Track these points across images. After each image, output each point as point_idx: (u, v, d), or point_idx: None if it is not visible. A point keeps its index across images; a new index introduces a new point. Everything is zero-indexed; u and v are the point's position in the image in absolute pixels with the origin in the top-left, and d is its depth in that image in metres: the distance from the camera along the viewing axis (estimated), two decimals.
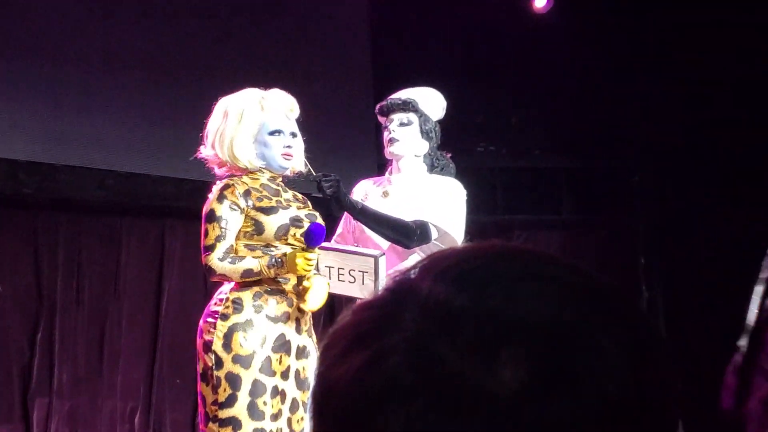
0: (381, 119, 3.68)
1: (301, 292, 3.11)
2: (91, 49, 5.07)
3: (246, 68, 5.13)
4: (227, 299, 3.06)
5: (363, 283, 3.30)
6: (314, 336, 3.20)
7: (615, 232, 6.25)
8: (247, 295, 3.05)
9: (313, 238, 3.07)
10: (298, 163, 3.27)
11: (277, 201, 3.14)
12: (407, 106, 3.60)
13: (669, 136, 5.97)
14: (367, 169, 5.00)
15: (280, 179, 3.25)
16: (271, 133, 3.17)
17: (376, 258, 3.30)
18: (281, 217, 3.10)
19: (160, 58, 5.25)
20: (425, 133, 3.62)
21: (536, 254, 0.62)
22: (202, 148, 3.21)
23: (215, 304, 3.09)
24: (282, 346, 3.07)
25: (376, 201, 3.59)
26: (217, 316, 3.06)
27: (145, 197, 5.26)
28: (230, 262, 3.02)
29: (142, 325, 5.37)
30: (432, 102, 3.67)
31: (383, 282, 3.30)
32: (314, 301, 3.09)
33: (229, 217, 3.04)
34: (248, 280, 3.04)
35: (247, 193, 3.10)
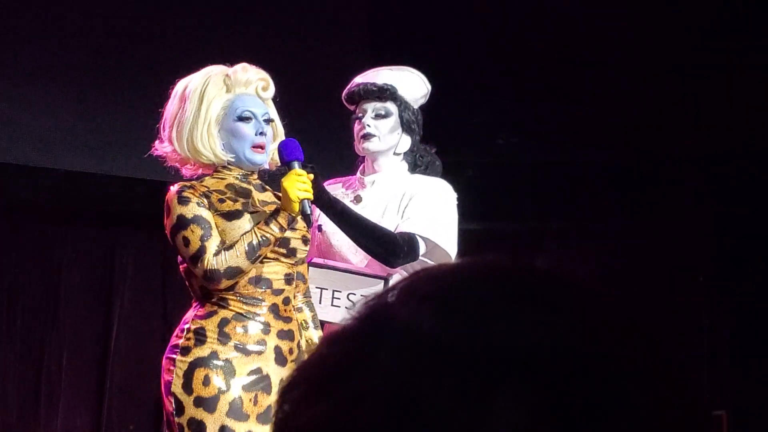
0: (350, 107, 3.65)
1: (283, 204, 3.08)
2: (21, 22, 5.09)
3: (217, 44, 5.09)
4: (188, 330, 3.07)
5: None
6: None
7: (667, 243, 6.25)
8: (210, 324, 3.07)
9: (285, 152, 3.09)
10: (266, 155, 3.23)
11: (243, 204, 3.14)
12: (384, 93, 3.57)
13: (732, 125, 6.01)
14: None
15: (255, 175, 3.24)
16: (240, 119, 3.15)
17: (386, 281, 3.33)
18: (247, 223, 3.10)
19: (108, 31, 5.31)
20: (406, 126, 3.60)
21: (543, 275, 0.62)
22: (157, 143, 3.21)
23: (176, 336, 3.10)
24: (257, 382, 3.07)
25: None
26: (177, 350, 3.07)
27: (91, 201, 5.29)
28: (228, 250, 3.04)
29: (87, 360, 5.37)
30: (413, 87, 3.64)
31: None
32: (295, 189, 3.05)
33: (203, 215, 3.07)
34: (260, 253, 3.05)
35: (208, 193, 3.12)
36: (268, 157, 3.22)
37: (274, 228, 3.06)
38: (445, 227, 3.50)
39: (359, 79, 3.63)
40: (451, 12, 6.19)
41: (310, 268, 3.35)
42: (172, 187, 3.13)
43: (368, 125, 3.55)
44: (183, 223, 3.06)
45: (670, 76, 6.16)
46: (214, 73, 3.17)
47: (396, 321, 0.59)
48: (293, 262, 3.18)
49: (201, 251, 3.04)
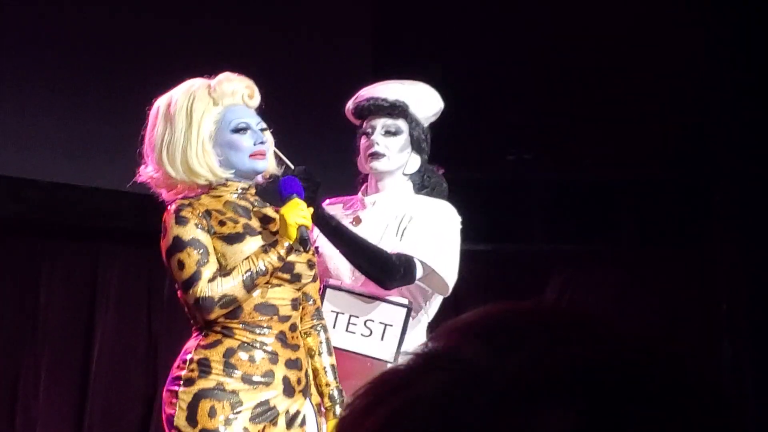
0: (355, 121, 3.61)
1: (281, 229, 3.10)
2: (3, 31, 5.10)
3: (210, 53, 5.07)
4: (191, 360, 3.06)
5: (382, 339, 3.33)
6: (314, 395, 3.22)
7: (689, 269, 6.29)
8: (215, 354, 3.07)
9: (285, 188, 3.09)
10: (271, 162, 3.23)
11: (245, 225, 3.12)
12: (395, 110, 3.53)
13: (758, 141, 6.04)
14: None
15: (253, 190, 3.21)
16: (236, 131, 3.13)
17: (408, 308, 3.33)
18: (249, 247, 3.09)
19: (96, 36, 5.29)
20: (416, 145, 3.56)
21: (568, 311, 0.73)
22: (142, 168, 3.17)
23: (178, 367, 3.10)
24: (264, 414, 3.07)
25: None
26: (179, 382, 3.06)
27: (74, 214, 5.30)
28: (225, 277, 3.05)
29: (67, 382, 5.38)
30: (426, 103, 3.60)
31: (411, 341, 3.09)
32: (294, 216, 3.05)
33: (201, 238, 3.06)
34: (257, 283, 3.06)
35: (207, 214, 3.11)
36: (269, 164, 3.20)
37: (273, 257, 3.05)
38: (444, 252, 3.45)
39: (367, 92, 3.58)
40: (459, 24, 6.25)
41: (327, 290, 3.37)
42: (170, 206, 3.11)
43: (377, 143, 3.49)
44: (179, 245, 3.05)
45: (692, 92, 6.21)
46: (196, 87, 3.15)
47: (445, 351, 0.70)
48: (298, 287, 3.16)
49: (195, 276, 3.03)
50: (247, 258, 3.05)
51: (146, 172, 3.16)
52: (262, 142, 3.12)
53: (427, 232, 3.46)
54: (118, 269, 5.44)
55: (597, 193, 6.35)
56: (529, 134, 6.29)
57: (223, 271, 3.05)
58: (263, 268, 3.04)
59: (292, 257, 3.11)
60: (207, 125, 3.11)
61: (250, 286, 3.04)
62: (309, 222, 3.07)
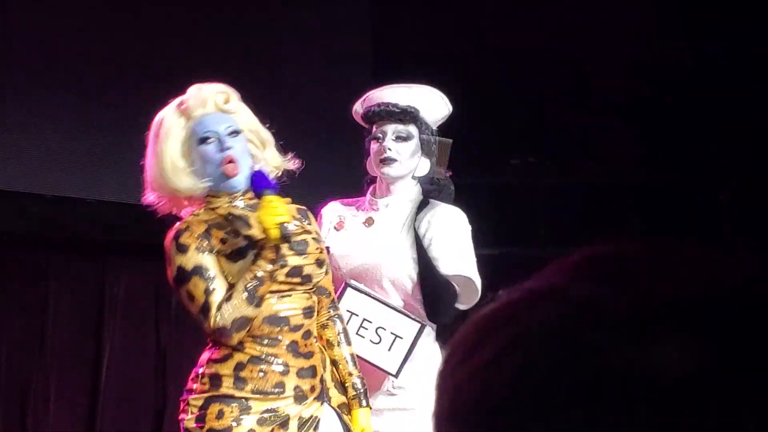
0: (366, 125, 3.65)
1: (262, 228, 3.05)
2: (5, 44, 5.10)
3: (211, 63, 5.04)
4: (203, 374, 3.12)
5: (389, 350, 3.37)
6: (334, 398, 3.21)
7: None
8: (226, 369, 3.10)
9: (255, 184, 3.07)
10: (244, 168, 3.15)
11: (246, 237, 3.11)
12: (407, 116, 3.57)
13: (764, 143, 6.06)
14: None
15: (249, 194, 3.17)
16: (201, 141, 3.11)
17: (422, 326, 3.35)
18: (250, 262, 3.08)
19: (101, 50, 5.30)
20: (426, 149, 3.61)
21: (678, 249, 0.70)
22: (144, 194, 3.20)
23: (191, 380, 3.16)
24: (273, 418, 3.10)
25: (356, 230, 3.59)
26: (192, 393, 3.13)
27: (80, 228, 5.30)
28: (228, 301, 3.05)
29: (77, 396, 5.37)
30: (435, 108, 3.65)
31: (417, 359, 3.16)
32: (270, 216, 3.00)
33: (204, 262, 3.07)
34: (260, 294, 3.05)
35: (207, 234, 3.11)
36: (248, 167, 3.15)
37: (263, 264, 3.04)
38: (473, 261, 3.54)
39: (376, 96, 3.61)
40: (461, 28, 6.25)
41: (347, 289, 3.40)
42: (169, 233, 3.11)
43: (389, 149, 3.53)
44: (184, 276, 3.06)
45: (695, 94, 6.20)
46: (168, 107, 3.17)
47: (545, 289, 0.69)
48: (311, 287, 3.16)
49: (206, 308, 3.05)
50: (243, 276, 3.05)
51: (147, 198, 3.18)
52: (226, 149, 3.09)
53: (461, 246, 3.54)
54: (124, 282, 5.43)
55: (601, 197, 6.32)
56: (533, 138, 6.28)
57: (225, 295, 3.05)
58: (260, 279, 3.03)
59: (298, 260, 3.11)
60: (174, 140, 3.10)
61: (255, 300, 3.04)
62: (287, 216, 3.02)
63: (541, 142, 6.31)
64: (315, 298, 3.19)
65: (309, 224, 3.25)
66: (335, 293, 3.37)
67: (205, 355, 3.13)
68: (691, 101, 6.13)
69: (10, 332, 5.24)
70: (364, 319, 3.38)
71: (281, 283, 3.10)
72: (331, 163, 5.53)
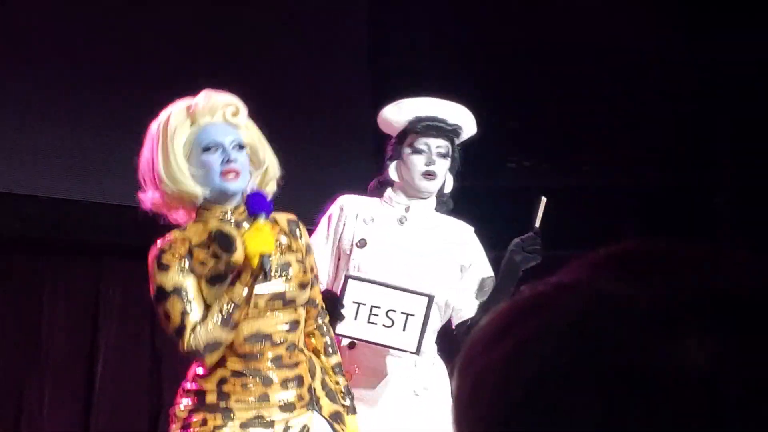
0: (395, 130, 3.67)
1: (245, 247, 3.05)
2: (3, 42, 5.10)
3: (209, 67, 5.12)
4: (188, 390, 3.17)
5: (404, 329, 3.38)
6: (325, 407, 3.20)
7: None
8: (209, 384, 3.13)
9: (251, 205, 3.07)
10: (243, 181, 3.16)
11: (227, 258, 3.10)
12: (453, 133, 3.67)
13: (762, 145, 6.05)
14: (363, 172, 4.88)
15: (241, 208, 3.16)
16: (205, 149, 3.11)
17: (430, 298, 3.38)
18: (228, 286, 3.09)
19: (98, 51, 5.30)
20: (455, 166, 3.72)
21: (701, 248, 0.72)
22: (141, 194, 3.20)
23: (179, 394, 3.21)
24: (258, 421, 3.13)
25: (389, 226, 3.62)
26: (179, 407, 3.19)
27: (75, 230, 5.30)
28: (203, 323, 3.05)
29: (71, 398, 5.36)
30: (470, 129, 3.75)
31: (431, 332, 3.23)
32: (254, 243, 2.99)
33: (184, 284, 3.07)
34: (235, 319, 3.06)
35: (189, 254, 3.10)
36: (246, 183, 3.16)
37: (238, 290, 3.04)
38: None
39: (423, 108, 3.64)
40: (457, 33, 6.25)
41: (348, 281, 3.42)
42: (153, 249, 3.11)
43: (434, 163, 3.61)
44: (163, 295, 3.07)
45: (694, 96, 6.23)
46: (176, 106, 3.16)
47: (568, 284, 0.69)
48: (294, 309, 3.16)
49: (181, 329, 3.06)
50: (219, 299, 3.06)
51: (145, 197, 3.18)
52: (230, 161, 3.09)
53: (478, 251, 3.75)
54: (120, 285, 5.41)
55: (598, 200, 6.32)
56: (528, 141, 6.29)
57: (200, 317, 3.06)
58: (236, 303, 3.04)
59: (280, 284, 3.11)
60: (179, 142, 3.10)
61: (230, 324, 3.04)
62: (271, 247, 3.02)
63: (539, 145, 6.31)
64: (301, 311, 3.18)
65: (300, 237, 3.23)
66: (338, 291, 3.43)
67: (191, 371, 3.18)
68: (691, 101, 6.16)
69: (5, 334, 5.22)
70: (372, 306, 3.40)
71: (262, 308, 3.11)
72: (330, 164, 5.55)
